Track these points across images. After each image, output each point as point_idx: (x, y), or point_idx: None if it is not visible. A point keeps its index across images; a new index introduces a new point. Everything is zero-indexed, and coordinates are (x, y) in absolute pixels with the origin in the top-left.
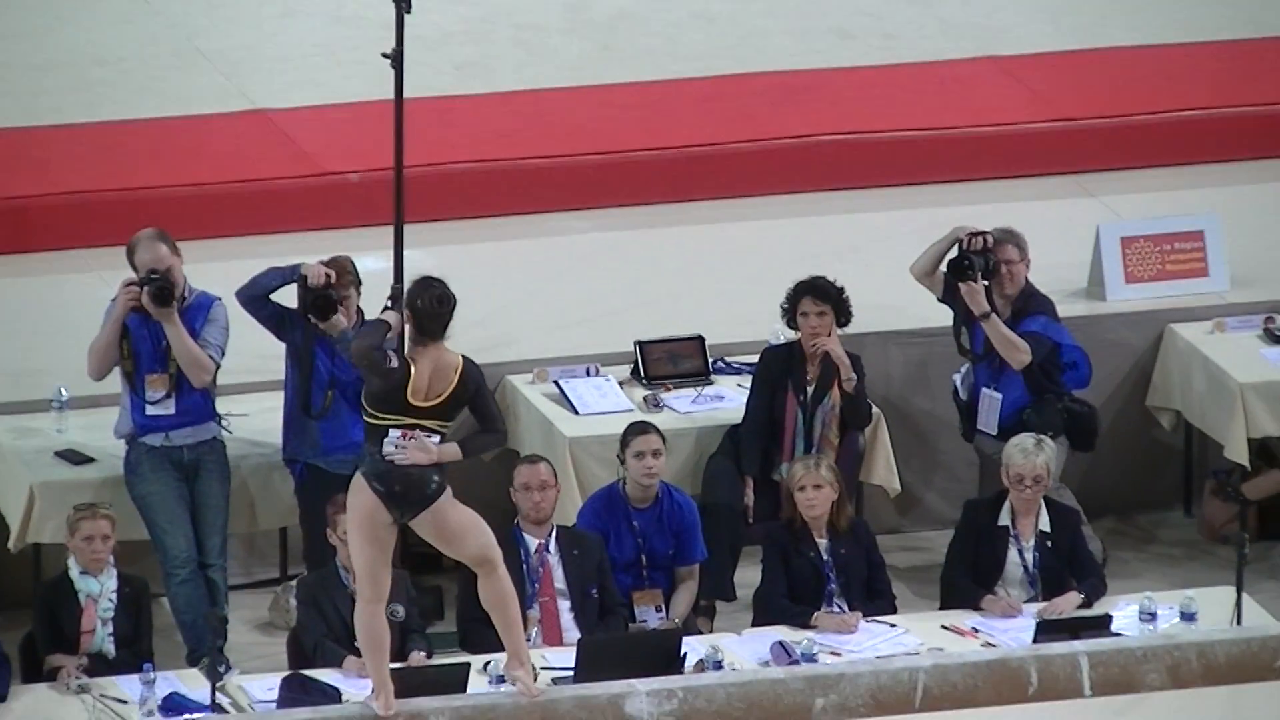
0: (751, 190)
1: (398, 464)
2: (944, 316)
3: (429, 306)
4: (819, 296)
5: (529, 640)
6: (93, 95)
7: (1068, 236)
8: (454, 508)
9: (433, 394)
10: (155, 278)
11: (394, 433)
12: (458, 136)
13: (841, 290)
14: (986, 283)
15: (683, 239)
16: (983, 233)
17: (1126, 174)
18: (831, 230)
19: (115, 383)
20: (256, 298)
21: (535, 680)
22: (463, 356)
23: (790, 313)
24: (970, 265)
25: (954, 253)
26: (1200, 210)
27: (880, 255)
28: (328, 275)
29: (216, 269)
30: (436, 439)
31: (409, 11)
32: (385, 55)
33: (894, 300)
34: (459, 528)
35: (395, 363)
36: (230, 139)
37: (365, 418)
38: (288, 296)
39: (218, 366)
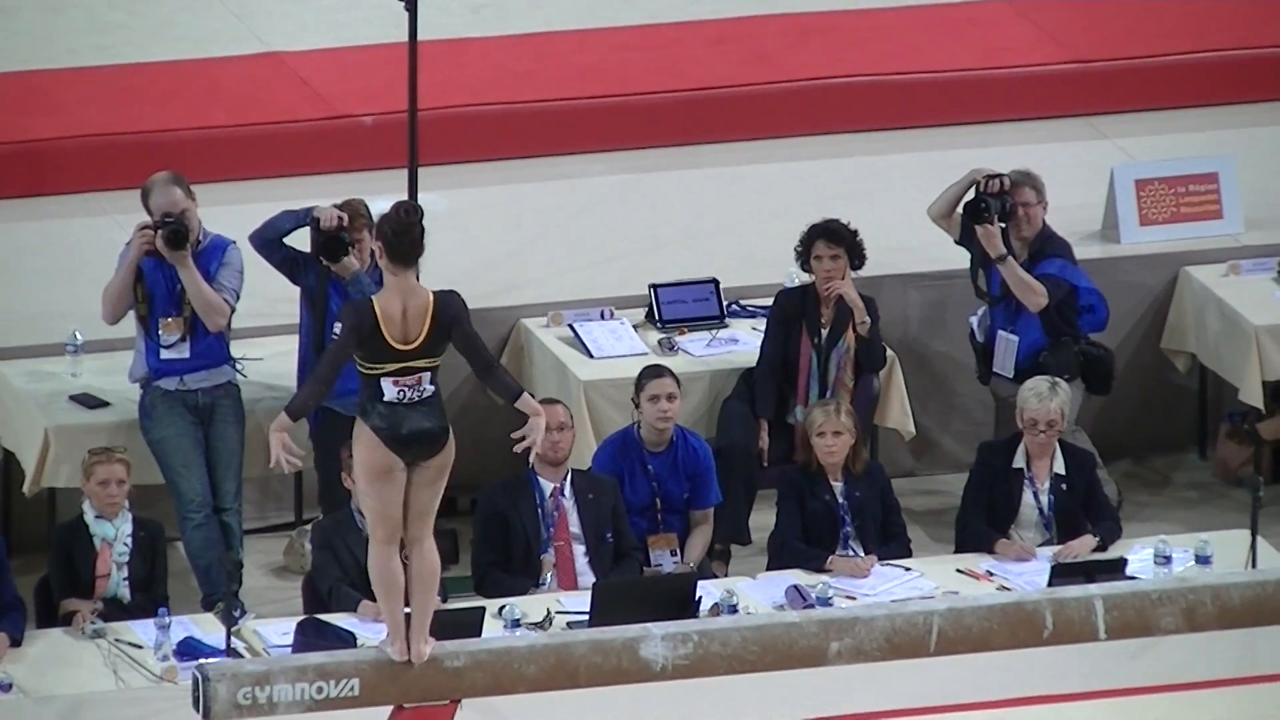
0: (766, 132)
1: (397, 407)
2: (960, 259)
3: (396, 223)
4: (833, 239)
5: (544, 584)
6: (106, 38)
7: (1083, 179)
8: (450, 451)
9: (411, 336)
10: (170, 221)
11: (387, 381)
12: (471, 79)
13: (855, 233)
14: (1003, 225)
15: (697, 182)
16: (999, 175)
17: (1141, 116)
18: (846, 172)
19: (130, 327)
20: (270, 241)
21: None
22: (433, 292)
23: (804, 256)
24: (987, 207)
25: (970, 195)
26: (1215, 152)
27: (896, 197)
28: (340, 218)
29: (231, 212)
30: (427, 376)
31: None
32: None
33: (910, 243)
34: (448, 466)
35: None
36: (244, 81)
37: (357, 367)
38: (301, 240)
39: (233, 310)
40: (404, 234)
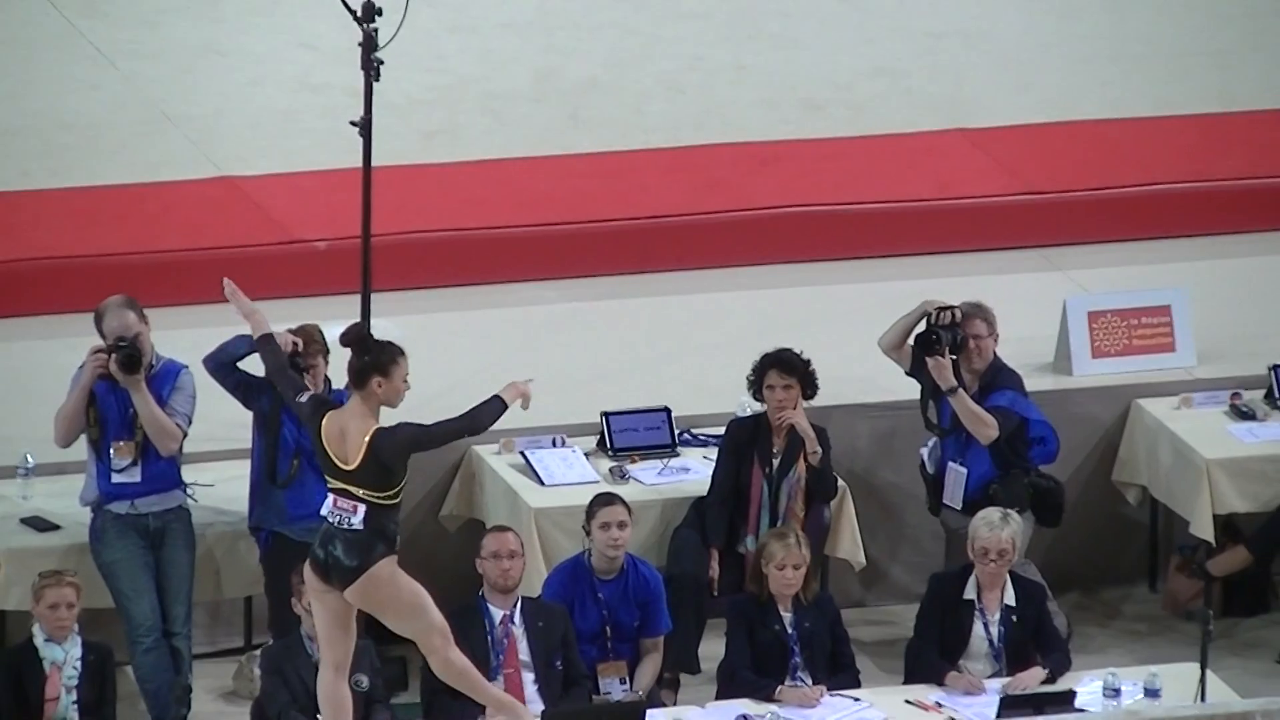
0: (719, 261)
1: (331, 529)
2: (911, 390)
3: (347, 346)
4: (785, 369)
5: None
6: (60, 160)
7: (1035, 310)
8: (389, 584)
9: (349, 459)
10: (123, 345)
11: (329, 497)
12: (425, 205)
13: (808, 363)
14: (954, 357)
15: (650, 309)
16: (951, 307)
17: (1094, 248)
18: (798, 302)
19: (81, 450)
20: (224, 365)
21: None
22: (378, 427)
23: (756, 385)
24: (938, 339)
25: (922, 327)
26: (1167, 285)
27: (847, 328)
28: (295, 343)
29: (184, 336)
30: (361, 509)
31: (378, 79)
32: (354, 123)
33: (861, 373)
34: (387, 606)
35: (304, 399)
36: (198, 205)
37: None
38: (255, 365)
39: (185, 434)
40: (353, 359)
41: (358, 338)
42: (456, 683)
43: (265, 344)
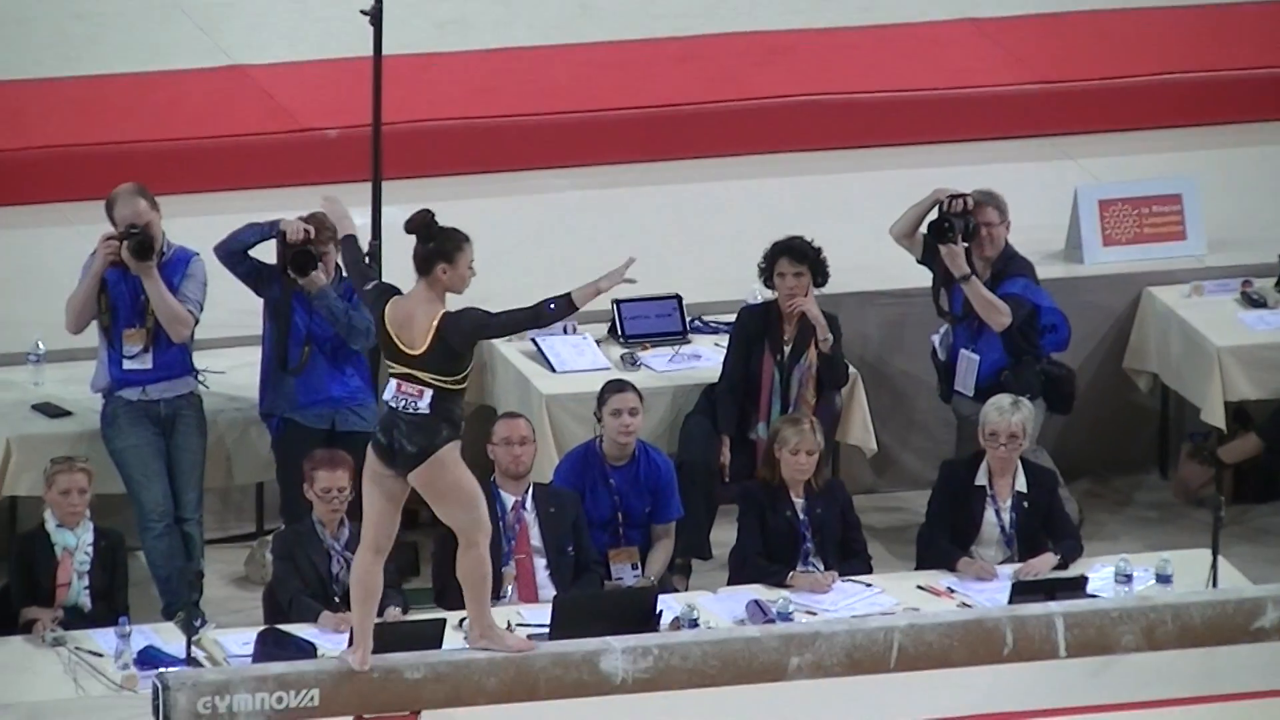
0: (729, 150)
1: (394, 414)
2: (922, 278)
3: (411, 233)
4: (796, 257)
5: (505, 598)
6: (71, 49)
7: (1046, 199)
8: (447, 471)
9: (416, 344)
10: (135, 232)
11: (392, 381)
12: (436, 93)
13: (819, 251)
14: (966, 245)
15: (661, 198)
16: (962, 195)
17: (1104, 137)
18: (809, 191)
19: (93, 336)
20: (235, 253)
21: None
22: (445, 312)
23: (767, 273)
24: (951, 227)
25: (934, 215)
26: (1178, 174)
27: (858, 216)
28: (306, 231)
29: (194, 224)
30: (428, 394)
31: None
32: (364, 11)
33: (872, 261)
34: (446, 493)
35: (369, 287)
36: (208, 94)
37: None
38: (266, 252)
39: (196, 321)
40: (417, 245)
41: (422, 224)
42: (474, 583)
43: (348, 243)
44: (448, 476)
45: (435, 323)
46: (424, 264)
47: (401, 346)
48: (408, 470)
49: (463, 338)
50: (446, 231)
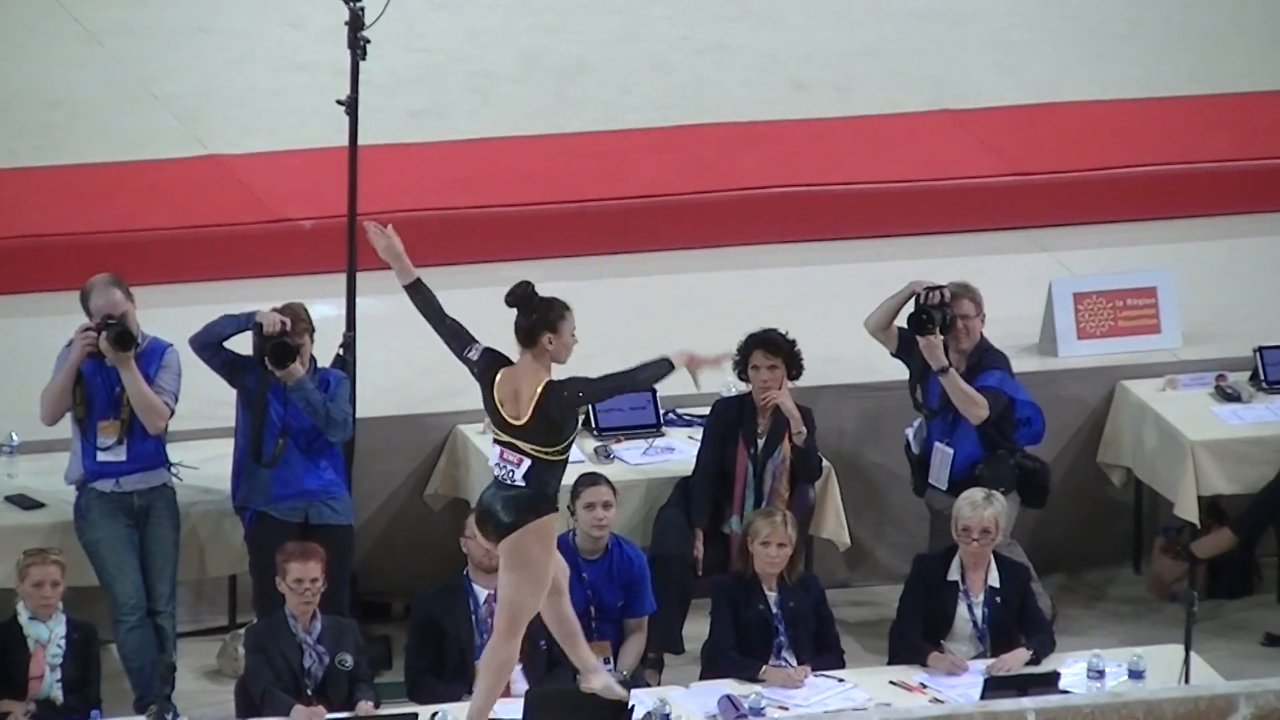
0: (705, 241)
1: (496, 482)
2: (897, 371)
3: (513, 306)
4: (771, 349)
5: None
6: (47, 138)
7: (1021, 291)
8: (532, 547)
9: (520, 413)
10: (114, 323)
11: (495, 449)
12: (411, 184)
13: (793, 343)
14: (943, 337)
15: (636, 289)
16: (939, 287)
17: (1080, 229)
18: (784, 282)
19: (66, 429)
20: (210, 345)
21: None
22: (549, 380)
23: (742, 365)
24: (929, 319)
25: (910, 307)
26: (1153, 266)
27: (833, 308)
28: (283, 323)
29: (168, 314)
30: (525, 464)
31: (364, 58)
32: (340, 101)
33: (847, 354)
34: (523, 568)
35: (475, 355)
36: (184, 184)
37: None
38: (241, 343)
39: (172, 412)
40: (518, 318)
41: (524, 297)
42: (494, 674)
43: (417, 290)
44: (532, 553)
45: (538, 391)
46: (528, 336)
47: (506, 416)
48: (499, 539)
49: (563, 405)
50: (548, 302)
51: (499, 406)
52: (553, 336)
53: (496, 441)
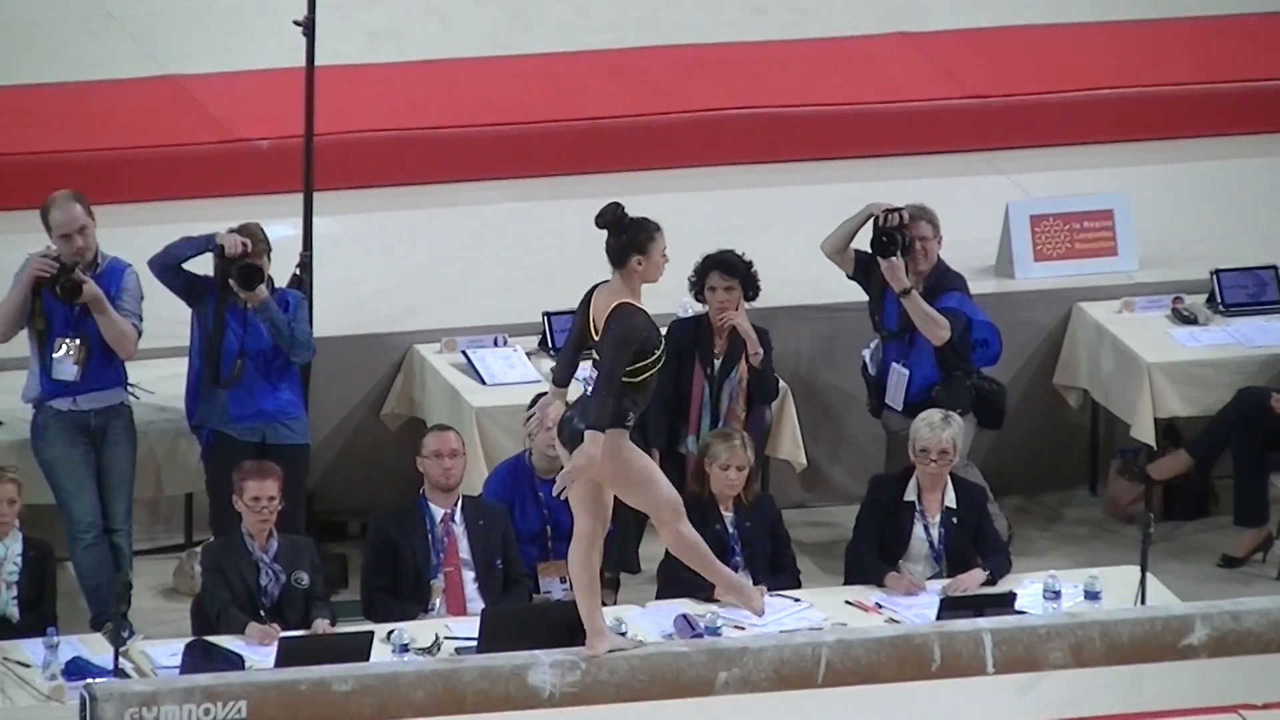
0: (661, 163)
1: (581, 396)
2: (853, 292)
3: (604, 228)
4: (727, 271)
5: (433, 610)
6: (2, 59)
7: (977, 214)
8: (615, 455)
9: (597, 325)
10: (65, 270)
11: (586, 364)
12: (368, 105)
13: (750, 265)
14: (903, 259)
15: (591, 211)
16: (898, 209)
17: (1037, 152)
18: (740, 204)
19: (23, 346)
20: (170, 267)
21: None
22: (623, 301)
23: (698, 286)
24: (890, 241)
25: (868, 230)
26: (1110, 190)
27: (790, 230)
28: (244, 244)
29: (126, 234)
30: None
31: None
32: (297, 22)
33: (803, 275)
34: (614, 477)
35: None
36: (141, 104)
37: None
38: (200, 264)
39: (140, 333)
40: (609, 235)
41: (614, 219)
42: (686, 556)
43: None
44: (612, 461)
45: (614, 306)
46: (619, 257)
47: (591, 331)
48: (573, 448)
49: (617, 329)
50: (638, 223)
51: (591, 323)
52: (642, 258)
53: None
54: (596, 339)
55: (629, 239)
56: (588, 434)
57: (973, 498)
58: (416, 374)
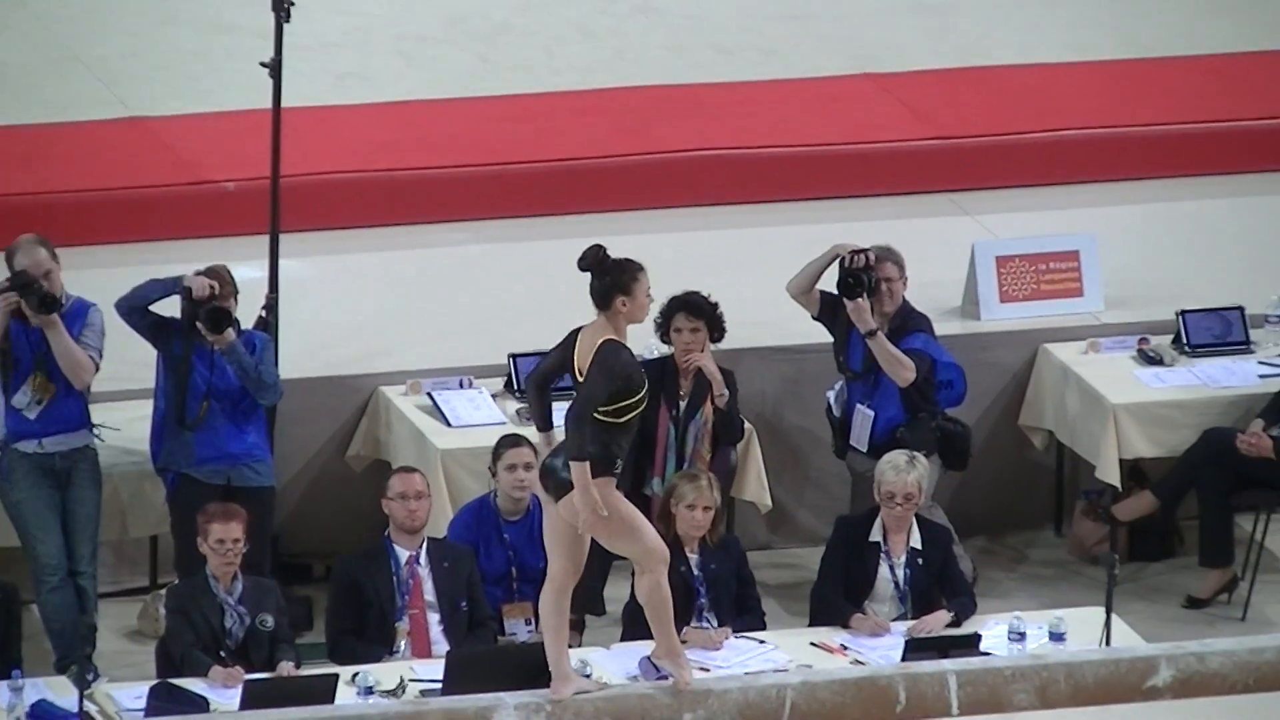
0: (628, 205)
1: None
2: (818, 334)
3: (586, 270)
4: (692, 312)
5: (398, 652)
6: None
7: (944, 255)
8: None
9: (581, 366)
10: (36, 287)
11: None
12: (335, 146)
13: (715, 306)
14: (870, 300)
15: (557, 252)
16: (864, 250)
17: (1003, 193)
18: (706, 245)
19: None
20: (137, 308)
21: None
22: (608, 339)
23: (663, 328)
24: (857, 282)
25: (833, 271)
26: (1076, 230)
27: (755, 271)
28: (212, 287)
29: (92, 275)
30: None
31: (288, 20)
32: (264, 64)
33: (768, 317)
34: (607, 523)
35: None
36: (108, 146)
37: None
38: (166, 306)
39: (97, 368)
40: (592, 278)
41: (596, 261)
42: (652, 606)
43: None
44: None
45: (598, 345)
46: (603, 299)
47: (576, 372)
48: (558, 497)
49: (603, 368)
50: (621, 264)
51: (575, 365)
52: (626, 299)
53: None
54: (580, 381)
55: (612, 280)
56: (572, 465)
57: (938, 539)
58: (382, 416)
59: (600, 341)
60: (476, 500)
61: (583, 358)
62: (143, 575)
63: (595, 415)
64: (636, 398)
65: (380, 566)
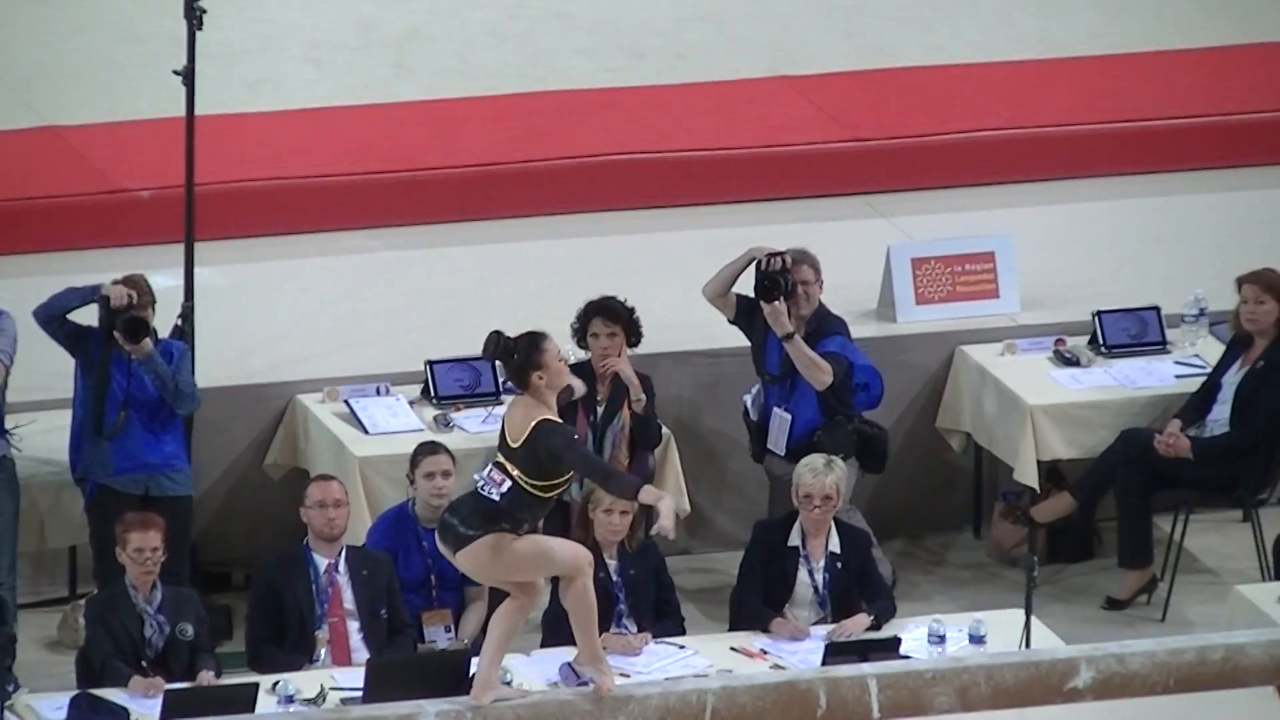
0: (543, 209)
1: (472, 494)
2: (734, 338)
3: (494, 360)
4: (609, 317)
5: (318, 661)
6: None
7: (859, 257)
8: (494, 556)
9: (513, 434)
10: None
11: (489, 465)
12: (249, 153)
13: (632, 310)
14: (786, 303)
15: (474, 258)
16: (780, 253)
17: (918, 194)
18: (623, 250)
19: None
20: (54, 317)
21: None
22: (544, 418)
23: (581, 333)
24: (774, 285)
25: (749, 274)
26: (991, 232)
27: (672, 275)
28: (130, 296)
29: (7, 286)
30: (507, 485)
31: (200, 28)
32: (177, 72)
33: (685, 321)
34: (509, 571)
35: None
36: (20, 155)
37: None
38: (84, 314)
39: (7, 371)
40: (502, 365)
41: (499, 348)
42: (577, 612)
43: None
44: (500, 560)
45: (533, 424)
46: (519, 379)
47: (507, 437)
48: (455, 550)
49: (545, 452)
50: (524, 341)
51: (504, 429)
52: (542, 373)
53: (494, 462)
54: (512, 448)
55: (521, 360)
56: (494, 535)
57: (857, 542)
58: (299, 424)
59: (536, 421)
60: (395, 508)
61: (515, 430)
62: (62, 585)
63: (527, 485)
64: (569, 476)
65: (299, 574)
